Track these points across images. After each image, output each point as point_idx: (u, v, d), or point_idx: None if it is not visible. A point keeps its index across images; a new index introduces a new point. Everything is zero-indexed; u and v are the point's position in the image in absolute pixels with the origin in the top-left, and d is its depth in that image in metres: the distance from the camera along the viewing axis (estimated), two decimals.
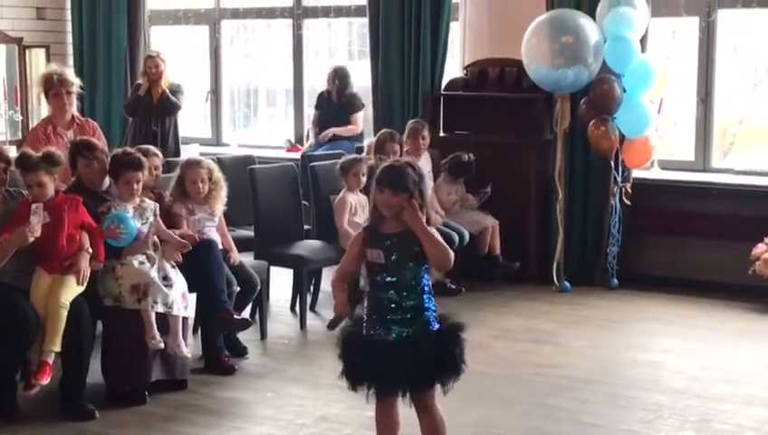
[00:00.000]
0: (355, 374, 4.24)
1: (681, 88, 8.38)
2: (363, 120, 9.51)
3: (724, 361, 6.29)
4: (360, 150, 8.50)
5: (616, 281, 8.07)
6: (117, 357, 5.55)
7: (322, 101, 9.66)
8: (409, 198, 4.10)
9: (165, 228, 5.82)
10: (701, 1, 8.17)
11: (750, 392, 5.67)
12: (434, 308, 4.19)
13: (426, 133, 7.95)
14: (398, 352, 4.12)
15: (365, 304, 4.28)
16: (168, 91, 9.29)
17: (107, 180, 5.76)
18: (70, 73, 7.09)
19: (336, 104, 9.51)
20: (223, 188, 6.31)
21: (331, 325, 4.35)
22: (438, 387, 4.21)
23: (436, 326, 4.18)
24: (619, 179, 8.03)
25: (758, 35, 8.35)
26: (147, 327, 5.44)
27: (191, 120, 10.60)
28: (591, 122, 7.83)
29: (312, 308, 7.45)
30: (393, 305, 4.14)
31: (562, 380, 5.92)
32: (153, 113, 9.31)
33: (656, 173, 8.27)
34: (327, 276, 7.68)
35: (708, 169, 8.31)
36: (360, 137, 9.45)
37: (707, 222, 7.91)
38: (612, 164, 7.96)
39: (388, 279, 4.15)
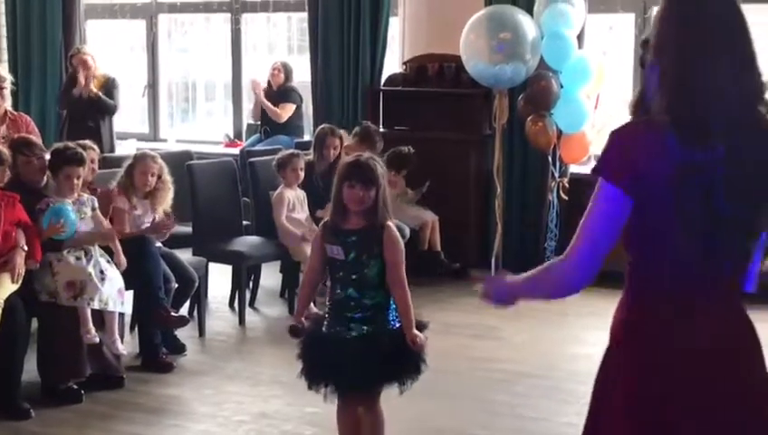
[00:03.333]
0: (313, 373, 4.17)
1: (618, 84, 8.46)
2: (295, 113, 9.44)
3: None
4: (299, 146, 8.46)
5: None
6: (52, 353, 5.49)
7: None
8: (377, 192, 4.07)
9: (106, 223, 5.76)
10: None
11: None
12: (395, 307, 4.13)
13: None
14: (356, 350, 4.06)
15: (326, 301, 4.23)
16: (100, 89, 9.09)
17: (46, 177, 5.69)
18: (2, 69, 6.98)
19: (274, 94, 9.48)
20: (169, 189, 6.28)
21: (292, 332, 4.28)
22: (396, 386, 4.17)
23: (397, 325, 4.13)
24: (556, 174, 8.09)
25: None
26: (82, 322, 5.39)
27: (128, 115, 10.48)
28: (529, 118, 7.88)
29: (252, 304, 7.41)
30: (353, 303, 4.09)
31: (503, 374, 5.96)
32: (86, 108, 9.15)
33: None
34: (266, 272, 7.65)
35: None
36: (293, 129, 9.39)
37: None
38: (550, 159, 8.02)
39: (348, 276, 4.10)
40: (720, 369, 2.42)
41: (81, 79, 8.98)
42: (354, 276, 4.09)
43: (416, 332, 4.08)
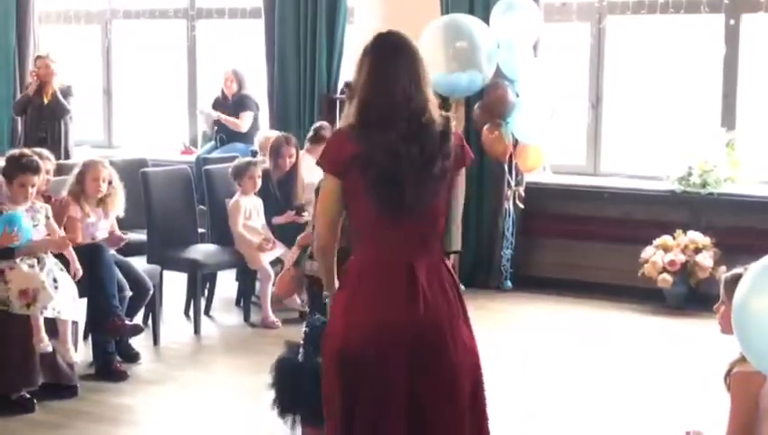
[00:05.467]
0: (285, 403, 4.04)
1: (573, 93, 8.51)
2: (252, 122, 9.42)
3: (612, 360, 6.41)
4: (254, 154, 8.44)
5: (509, 283, 8.17)
6: (4, 362, 5.41)
7: (216, 103, 9.59)
8: None
9: (59, 231, 5.71)
10: (592, 7, 8.34)
11: (640, 391, 5.79)
12: None
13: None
14: None
15: (303, 329, 4.02)
16: (59, 93, 9.17)
17: None
18: None
19: (230, 104, 9.46)
20: (120, 195, 6.23)
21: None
22: None
23: None
24: (512, 183, 8.12)
25: (647, 41, 8.52)
26: (34, 330, 5.32)
27: (83, 122, 10.40)
28: (485, 126, 7.91)
29: (207, 313, 7.36)
30: None
31: None
32: (43, 115, 9.14)
33: (548, 177, 8.39)
34: (222, 280, 7.61)
35: (599, 172, 8.46)
36: (249, 137, 9.32)
37: (598, 225, 8.04)
38: (506, 168, 8.05)
39: None
40: (421, 309, 3.33)
41: (33, 83, 9.06)
42: None
43: None
